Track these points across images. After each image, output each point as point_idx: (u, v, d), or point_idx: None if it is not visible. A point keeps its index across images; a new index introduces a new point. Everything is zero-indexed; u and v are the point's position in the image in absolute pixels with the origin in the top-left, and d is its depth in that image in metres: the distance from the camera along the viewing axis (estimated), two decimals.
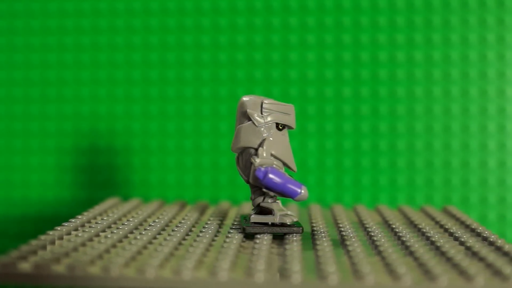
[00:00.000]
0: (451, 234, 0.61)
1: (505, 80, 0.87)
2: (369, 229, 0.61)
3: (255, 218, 0.60)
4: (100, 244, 0.54)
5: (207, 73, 0.89)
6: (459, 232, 0.61)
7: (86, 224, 0.62)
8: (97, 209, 0.70)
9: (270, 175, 0.57)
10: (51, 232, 0.57)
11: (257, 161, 0.58)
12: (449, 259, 0.52)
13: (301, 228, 0.58)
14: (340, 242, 0.58)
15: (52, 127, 0.89)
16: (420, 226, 0.64)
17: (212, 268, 0.47)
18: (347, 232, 0.60)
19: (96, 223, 0.62)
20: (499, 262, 0.50)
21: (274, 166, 0.58)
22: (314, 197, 0.86)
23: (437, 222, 0.67)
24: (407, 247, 0.55)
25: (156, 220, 0.64)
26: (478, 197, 0.86)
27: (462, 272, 0.48)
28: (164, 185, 0.88)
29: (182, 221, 0.64)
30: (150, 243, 0.56)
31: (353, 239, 0.56)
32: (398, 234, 0.60)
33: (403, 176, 0.87)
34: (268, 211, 0.60)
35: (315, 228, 0.62)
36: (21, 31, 0.89)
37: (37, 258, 0.50)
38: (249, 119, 0.60)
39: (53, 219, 0.88)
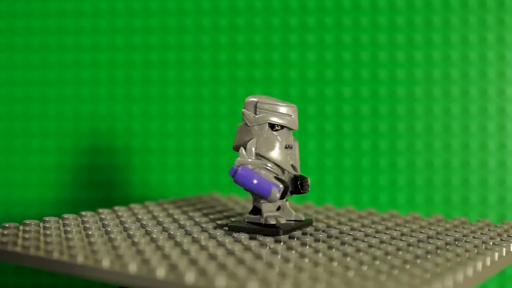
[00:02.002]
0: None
1: (505, 80, 0.87)
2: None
3: (248, 217, 0.60)
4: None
5: (207, 73, 0.89)
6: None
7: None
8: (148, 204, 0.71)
9: (240, 173, 0.57)
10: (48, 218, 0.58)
11: (236, 160, 0.58)
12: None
13: (280, 230, 0.58)
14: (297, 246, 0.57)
15: (52, 127, 0.89)
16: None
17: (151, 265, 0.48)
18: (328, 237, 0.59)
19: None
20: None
21: (267, 167, 0.58)
22: (314, 197, 0.86)
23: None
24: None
25: (176, 217, 0.65)
26: (478, 197, 0.87)
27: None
28: (164, 185, 0.89)
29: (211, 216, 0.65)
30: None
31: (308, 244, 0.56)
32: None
33: (403, 176, 0.87)
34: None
35: (312, 232, 0.61)
36: (21, 31, 0.89)
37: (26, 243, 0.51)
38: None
39: None
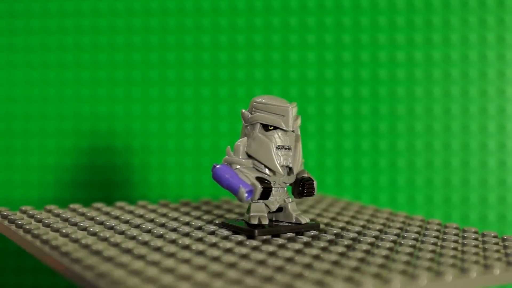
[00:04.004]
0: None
1: (505, 80, 0.87)
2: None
3: (245, 216, 0.60)
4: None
5: (207, 73, 0.89)
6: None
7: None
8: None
9: (215, 171, 0.58)
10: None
11: (223, 158, 0.59)
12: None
13: (254, 231, 0.58)
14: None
15: (52, 127, 0.89)
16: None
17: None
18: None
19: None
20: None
21: (257, 167, 0.58)
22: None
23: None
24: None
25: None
26: (478, 197, 0.87)
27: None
28: (164, 185, 0.89)
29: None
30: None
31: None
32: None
33: (403, 176, 0.87)
34: None
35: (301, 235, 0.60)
36: (21, 31, 0.89)
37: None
38: None
39: None
